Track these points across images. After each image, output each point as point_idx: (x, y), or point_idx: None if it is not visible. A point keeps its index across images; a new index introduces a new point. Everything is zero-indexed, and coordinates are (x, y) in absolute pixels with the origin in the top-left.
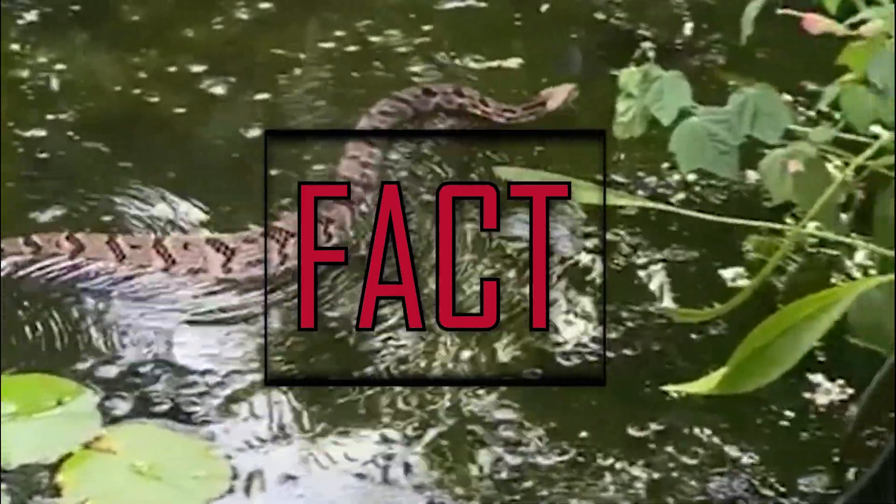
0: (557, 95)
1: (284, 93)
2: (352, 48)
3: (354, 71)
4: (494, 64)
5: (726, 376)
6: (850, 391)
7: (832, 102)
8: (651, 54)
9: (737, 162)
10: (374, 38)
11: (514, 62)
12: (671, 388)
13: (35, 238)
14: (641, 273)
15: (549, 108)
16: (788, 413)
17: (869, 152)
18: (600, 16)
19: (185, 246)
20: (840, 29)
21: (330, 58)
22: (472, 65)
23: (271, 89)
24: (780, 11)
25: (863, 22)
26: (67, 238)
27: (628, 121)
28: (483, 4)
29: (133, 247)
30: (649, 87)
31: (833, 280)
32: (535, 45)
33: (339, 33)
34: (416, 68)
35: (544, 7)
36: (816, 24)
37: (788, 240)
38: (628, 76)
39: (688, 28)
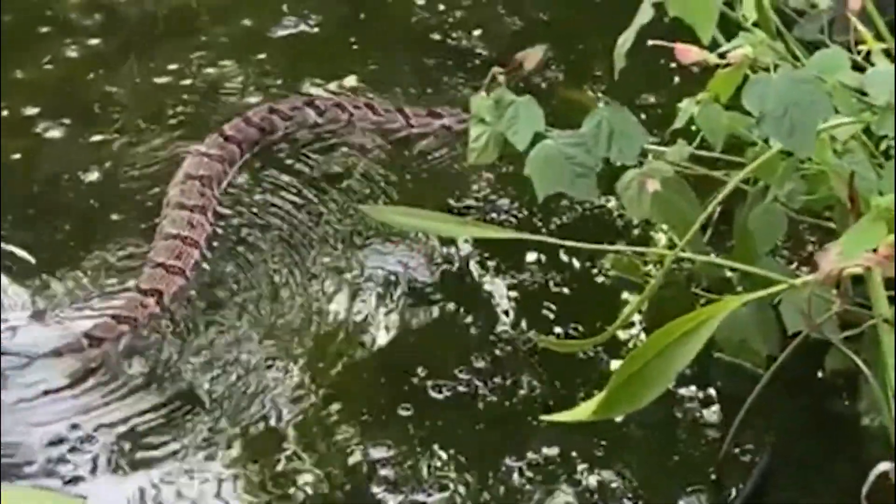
0: (532, 57)
1: (120, 131)
2: (186, 81)
3: (190, 104)
4: (333, 85)
5: (602, 403)
6: (719, 406)
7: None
8: (502, 79)
9: (595, 184)
10: (208, 70)
11: (352, 79)
12: (547, 418)
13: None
14: (503, 300)
15: (526, 68)
16: (661, 433)
17: (748, 169)
18: (436, 36)
19: None
20: (712, 58)
21: (164, 92)
22: (312, 89)
23: (107, 129)
24: (650, 43)
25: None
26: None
27: (482, 147)
28: (316, 30)
29: None
30: (503, 113)
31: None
32: (372, 65)
33: (171, 66)
34: (252, 99)
35: (377, 29)
36: (688, 54)
37: (663, 270)
38: (480, 102)
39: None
